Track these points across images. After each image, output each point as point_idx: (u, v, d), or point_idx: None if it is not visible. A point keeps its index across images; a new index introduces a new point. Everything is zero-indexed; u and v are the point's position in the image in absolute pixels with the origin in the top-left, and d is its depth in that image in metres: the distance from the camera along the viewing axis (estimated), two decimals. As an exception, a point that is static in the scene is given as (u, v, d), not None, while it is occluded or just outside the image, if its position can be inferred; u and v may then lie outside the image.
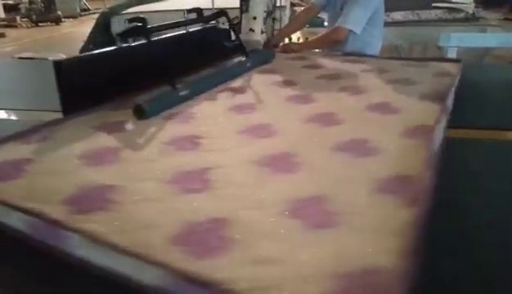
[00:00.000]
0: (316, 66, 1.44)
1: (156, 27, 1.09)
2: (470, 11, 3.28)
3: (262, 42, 1.68)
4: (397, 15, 3.15)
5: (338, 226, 0.52)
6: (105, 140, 0.79)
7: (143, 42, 1.05)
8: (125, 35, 1.03)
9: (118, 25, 2.74)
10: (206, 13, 1.41)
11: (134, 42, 1.07)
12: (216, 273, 0.43)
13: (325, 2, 1.97)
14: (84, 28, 4.97)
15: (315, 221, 0.53)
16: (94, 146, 0.75)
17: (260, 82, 1.23)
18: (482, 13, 3.50)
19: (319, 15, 2.55)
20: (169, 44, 1.13)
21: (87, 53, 0.99)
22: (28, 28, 8.91)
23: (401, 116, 0.92)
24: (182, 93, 1.00)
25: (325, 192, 0.60)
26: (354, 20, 1.69)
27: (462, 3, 3.60)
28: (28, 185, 0.62)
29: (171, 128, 0.86)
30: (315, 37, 2.01)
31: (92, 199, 0.58)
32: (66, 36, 7.64)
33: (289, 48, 1.76)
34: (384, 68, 1.37)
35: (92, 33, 2.79)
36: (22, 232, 0.55)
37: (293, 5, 4.16)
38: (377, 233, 0.50)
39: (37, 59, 2.14)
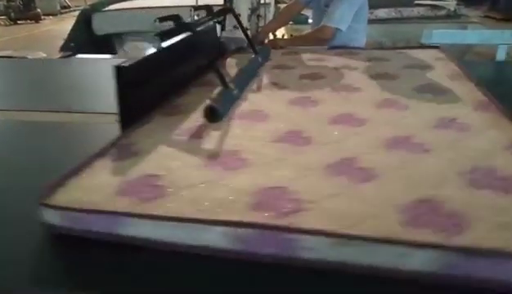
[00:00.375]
0: (319, 60, 1.42)
1: (193, 24, 1.06)
2: (452, 9, 3.33)
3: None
4: (381, 13, 3.18)
5: None
6: (203, 146, 0.77)
7: (172, 42, 1.03)
8: (169, 34, 0.99)
9: (99, 22, 2.70)
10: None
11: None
12: (485, 244, 0.46)
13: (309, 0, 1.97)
14: (64, 25, 4.87)
15: (506, 188, 0.58)
16: (201, 153, 0.73)
17: (285, 76, 1.23)
18: (463, 10, 3.56)
19: (303, 12, 2.55)
20: (187, 44, 1.10)
21: (143, 56, 0.94)
22: (6, 25, 8.69)
23: (455, 94, 0.98)
24: (235, 92, 0.98)
25: (483, 164, 0.65)
26: (340, 18, 1.70)
27: (444, 0, 3.65)
28: (184, 200, 0.58)
29: (256, 127, 0.84)
30: (301, 34, 2.01)
31: (278, 202, 0.57)
32: (46, 34, 7.47)
33: (277, 44, 1.75)
34: (383, 57, 1.40)
35: (72, 30, 2.74)
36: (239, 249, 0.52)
37: (277, 2, 4.15)
38: None
39: (16, 57, 2.08)
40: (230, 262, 0.52)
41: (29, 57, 2.04)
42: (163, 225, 0.54)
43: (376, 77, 1.17)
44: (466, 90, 1.01)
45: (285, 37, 2.73)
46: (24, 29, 8.13)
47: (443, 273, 0.47)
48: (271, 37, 2.09)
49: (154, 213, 0.55)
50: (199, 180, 0.64)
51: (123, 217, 0.55)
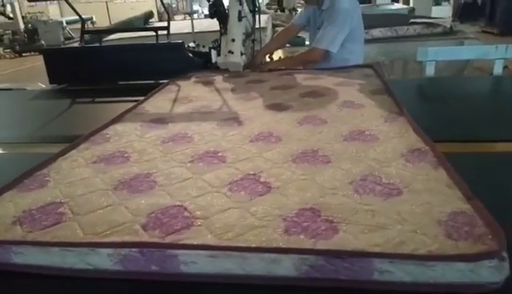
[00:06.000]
0: (257, 81, 1.53)
1: None
2: (448, 26, 3.34)
3: (242, 63, 1.68)
4: (376, 32, 3.20)
5: None
6: (118, 171, 0.78)
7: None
8: None
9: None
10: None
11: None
12: (348, 246, 0.51)
13: (305, 23, 1.99)
14: (67, 56, 4.92)
15: (386, 193, 0.65)
16: (113, 178, 0.75)
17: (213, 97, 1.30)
18: (459, 27, 3.56)
19: (300, 35, 2.57)
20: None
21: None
22: (11, 58, 8.85)
23: (372, 108, 1.07)
24: None
25: (375, 172, 0.72)
26: (330, 41, 1.72)
27: (439, 18, 3.67)
28: (80, 226, 0.59)
29: (176, 149, 0.88)
30: (290, 56, 2.03)
31: (171, 221, 0.59)
32: (50, 65, 7.60)
33: (266, 68, 1.78)
34: (317, 77, 1.50)
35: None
36: None
37: (274, 26, 4.20)
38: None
39: (15, 89, 2.11)
40: (120, 284, 0.52)
41: (28, 89, 2.06)
42: (52, 252, 0.55)
43: (305, 95, 1.24)
44: (384, 103, 1.09)
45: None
46: (28, 61, 8.27)
47: (310, 276, 0.49)
48: (267, 59, 2.11)
49: (43, 240, 0.56)
50: (102, 205, 0.65)
51: (14, 246, 0.56)
